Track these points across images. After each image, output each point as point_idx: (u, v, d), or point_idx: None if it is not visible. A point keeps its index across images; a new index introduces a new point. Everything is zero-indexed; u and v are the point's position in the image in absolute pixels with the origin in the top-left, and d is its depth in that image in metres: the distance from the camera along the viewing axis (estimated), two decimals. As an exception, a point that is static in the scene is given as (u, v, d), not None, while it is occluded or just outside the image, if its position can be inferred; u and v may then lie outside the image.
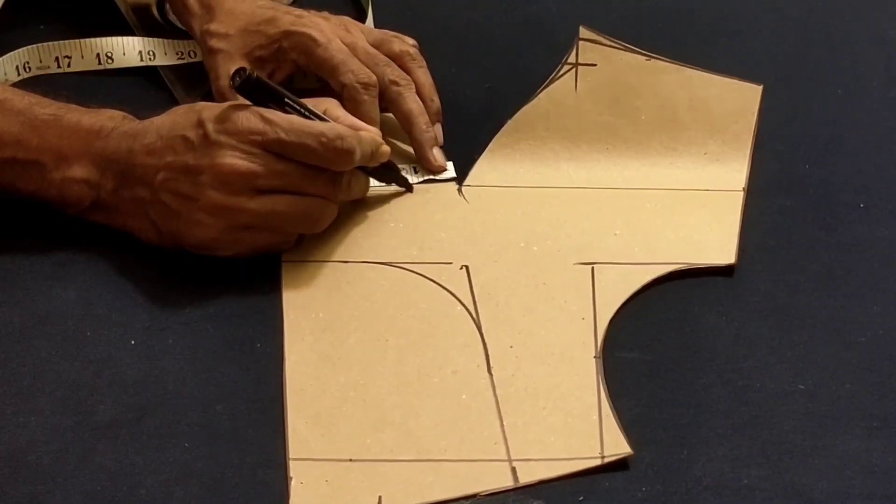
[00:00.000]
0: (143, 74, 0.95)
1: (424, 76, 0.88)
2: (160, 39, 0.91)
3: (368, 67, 0.85)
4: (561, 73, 0.94)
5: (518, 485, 0.67)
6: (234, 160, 0.74)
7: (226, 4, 0.87)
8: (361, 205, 0.82)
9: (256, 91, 0.76)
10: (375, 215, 0.82)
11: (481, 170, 0.86)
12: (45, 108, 0.77)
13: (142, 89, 0.93)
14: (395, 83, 0.86)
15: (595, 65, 0.94)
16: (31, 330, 0.74)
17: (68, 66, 0.88)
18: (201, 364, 0.73)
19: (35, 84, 0.86)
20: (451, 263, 0.79)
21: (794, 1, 1.03)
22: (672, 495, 0.67)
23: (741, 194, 0.85)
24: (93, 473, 0.68)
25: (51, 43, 0.88)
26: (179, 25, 0.93)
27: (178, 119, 0.77)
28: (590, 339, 0.75)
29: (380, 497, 0.66)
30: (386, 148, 0.81)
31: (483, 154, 0.87)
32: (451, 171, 0.86)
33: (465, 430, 0.70)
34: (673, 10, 1.02)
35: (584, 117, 0.87)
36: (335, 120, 0.78)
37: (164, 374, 0.73)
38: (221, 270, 0.78)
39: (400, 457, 0.69)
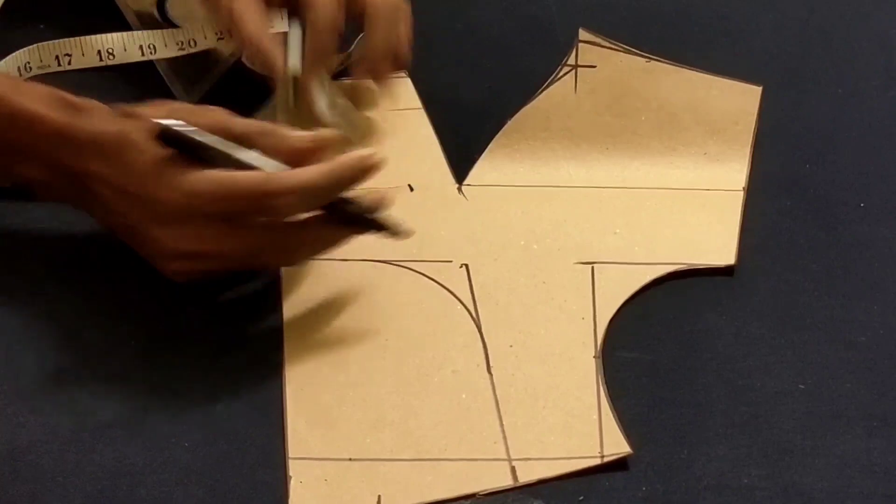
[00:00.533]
0: (144, 73, 0.95)
1: None
2: (159, 31, 0.90)
3: None
4: (560, 74, 0.94)
5: (517, 484, 0.67)
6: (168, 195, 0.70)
7: None
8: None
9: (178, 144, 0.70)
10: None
11: (481, 169, 0.86)
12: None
13: (142, 86, 0.93)
14: None
15: (595, 66, 0.94)
16: (30, 330, 0.74)
17: (69, 63, 0.88)
18: (201, 364, 0.73)
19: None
20: (450, 262, 0.79)
21: (794, 1, 1.03)
22: (672, 495, 0.67)
23: (741, 194, 0.85)
24: (93, 473, 0.68)
25: (50, 42, 0.88)
26: (180, 25, 0.93)
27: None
28: (590, 339, 0.75)
29: (379, 496, 0.66)
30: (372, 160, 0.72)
31: (483, 154, 0.87)
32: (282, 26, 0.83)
33: (465, 429, 0.70)
34: (673, 10, 1.02)
35: (584, 118, 0.87)
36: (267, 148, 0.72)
37: (164, 374, 0.73)
38: (221, 270, 0.78)
39: (399, 456, 0.69)
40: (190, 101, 0.92)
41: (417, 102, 0.93)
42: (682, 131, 0.89)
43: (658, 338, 0.76)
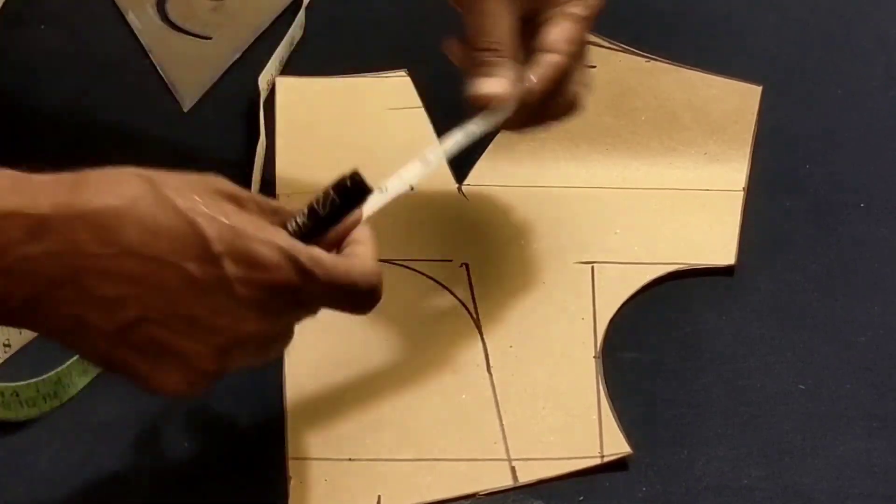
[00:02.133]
0: (144, 74, 0.95)
1: None
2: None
3: None
4: (560, 73, 0.94)
5: (517, 484, 0.67)
6: (260, 326, 0.57)
7: None
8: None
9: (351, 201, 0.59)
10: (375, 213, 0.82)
11: (481, 169, 0.86)
12: None
13: (143, 87, 0.93)
14: None
15: (594, 66, 0.94)
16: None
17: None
18: (201, 364, 0.73)
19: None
20: (451, 261, 0.79)
21: (794, 1, 1.03)
22: (672, 495, 0.67)
23: (741, 194, 0.85)
24: (93, 473, 0.68)
25: None
26: (181, 25, 0.93)
27: (162, 232, 0.54)
28: (589, 339, 0.75)
29: (379, 496, 0.66)
30: None
31: (483, 154, 0.87)
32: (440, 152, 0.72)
33: (465, 429, 0.70)
34: (673, 10, 1.02)
35: (583, 118, 0.87)
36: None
37: (164, 373, 0.73)
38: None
39: (399, 456, 0.69)
40: (189, 101, 0.92)
41: (417, 102, 0.93)
42: (682, 131, 0.89)
43: (658, 338, 0.76)
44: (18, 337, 0.72)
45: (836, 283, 0.79)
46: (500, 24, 0.69)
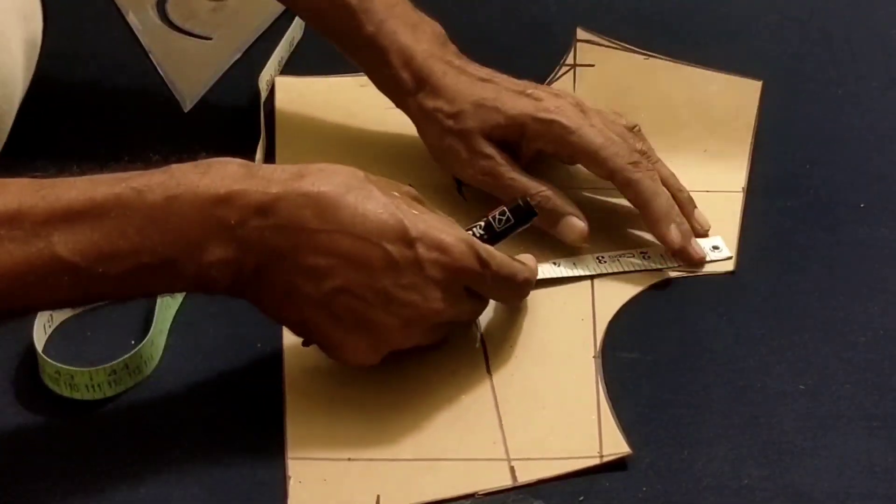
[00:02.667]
0: (144, 74, 0.95)
1: (662, 165, 0.81)
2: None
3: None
4: (559, 74, 0.94)
5: (517, 484, 0.67)
6: (442, 305, 0.68)
7: (443, 79, 0.81)
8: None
9: (521, 221, 0.74)
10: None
11: (481, 170, 0.86)
12: (152, 190, 0.64)
13: (143, 88, 0.94)
14: (639, 161, 0.79)
15: (593, 65, 0.94)
16: (30, 330, 0.74)
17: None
18: (201, 364, 0.73)
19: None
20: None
21: (794, 1, 1.03)
22: (672, 495, 0.67)
23: (741, 195, 0.85)
24: (93, 473, 0.68)
25: None
26: (181, 25, 0.93)
27: (370, 216, 0.66)
28: (589, 340, 0.75)
29: (378, 496, 0.66)
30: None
31: (483, 154, 0.87)
32: (723, 250, 0.81)
33: (464, 429, 0.70)
34: (673, 10, 1.02)
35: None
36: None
37: (165, 374, 0.73)
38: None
39: (398, 456, 0.69)
40: (189, 102, 0.92)
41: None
42: (682, 128, 0.89)
43: (658, 338, 0.76)
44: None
45: (836, 283, 0.79)
46: (523, 174, 0.80)
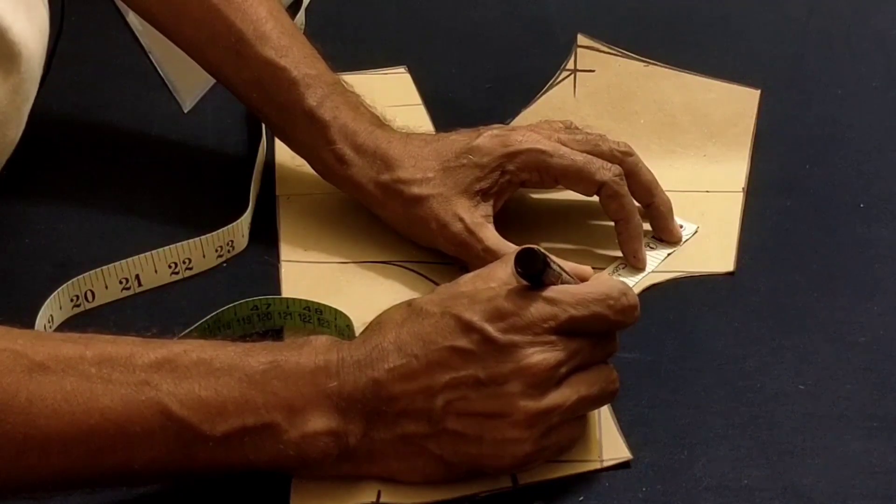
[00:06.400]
0: (144, 74, 0.95)
1: (647, 171, 0.80)
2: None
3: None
4: (560, 79, 0.94)
5: (517, 486, 0.67)
6: (541, 356, 0.64)
7: (392, 149, 0.79)
8: (361, 205, 0.82)
9: (541, 271, 0.65)
10: (375, 215, 0.82)
11: (481, 170, 0.86)
12: (255, 355, 0.63)
13: (143, 88, 0.94)
14: (620, 174, 0.79)
15: (593, 71, 0.94)
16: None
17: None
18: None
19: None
20: (450, 262, 0.79)
21: (794, 1, 1.03)
22: (672, 495, 0.67)
23: (741, 195, 0.85)
24: (93, 473, 0.67)
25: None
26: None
27: (424, 329, 0.64)
28: (589, 340, 0.75)
29: (379, 491, 0.66)
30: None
31: (483, 154, 0.87)
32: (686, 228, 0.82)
33: (465, 430, 0.70)
34: (672, 10, 1.02)
35: (583, 121, 0.87)
36: (580, 275, 0.69)
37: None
38: (222, 271, 0.78)
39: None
40: (189, 102, 0.92)
41: (417, 98, 0.93)
42: (681, 134, 0.90)
43: (658, 338, 0.76)
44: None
45: (836, 283, 0.79)
46: (498, 241, 0.78)
